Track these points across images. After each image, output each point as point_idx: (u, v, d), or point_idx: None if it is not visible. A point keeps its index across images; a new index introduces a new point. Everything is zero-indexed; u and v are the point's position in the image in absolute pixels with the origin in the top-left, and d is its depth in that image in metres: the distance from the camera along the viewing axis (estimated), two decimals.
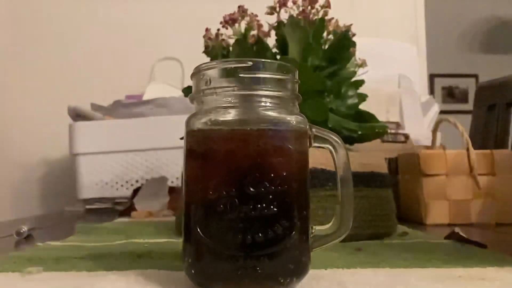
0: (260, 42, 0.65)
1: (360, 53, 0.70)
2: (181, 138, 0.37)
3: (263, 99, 0.34)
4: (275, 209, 0.33)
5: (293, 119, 0.35)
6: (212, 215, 0.33)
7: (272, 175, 0.33)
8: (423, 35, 1.83)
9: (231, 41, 0.67)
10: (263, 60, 0.35)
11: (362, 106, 0.69)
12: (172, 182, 1.23)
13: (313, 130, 0.37)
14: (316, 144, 0.37)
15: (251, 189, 0.33)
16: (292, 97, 0.36)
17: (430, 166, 0.78)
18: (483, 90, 1.31)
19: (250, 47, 0.65)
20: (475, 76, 3.54)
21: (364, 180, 0.60)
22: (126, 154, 1.30)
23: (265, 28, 0.67)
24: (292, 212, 0.34)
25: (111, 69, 1.69)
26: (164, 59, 1.72)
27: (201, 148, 0.35)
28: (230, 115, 0.34)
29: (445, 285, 0.35)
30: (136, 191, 1.08)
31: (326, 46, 0.66)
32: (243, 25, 0.67)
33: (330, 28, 0.67)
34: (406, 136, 1.18)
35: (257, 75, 0.34)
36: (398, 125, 1.22)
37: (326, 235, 0.37)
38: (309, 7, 0.64)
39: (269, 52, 0.65)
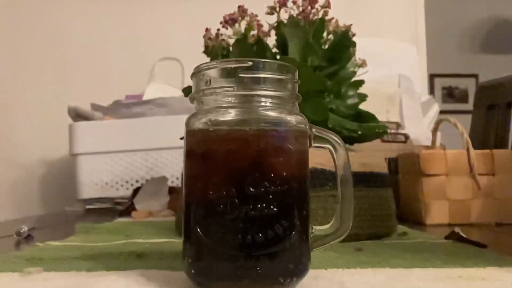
0: (260, 42, 0.65)
1: (360, 53, 0.70)
2: (181, 138, 0.37)
3: (263, 99, 0.34)
4: (275, 209, 0.33)
5: (293, 119, 0.35)
6: (212, 215, 0.33)
7: (272, 175, 0.33)
8: (423, 35, 1.83)
9: (231, 41, 0.67)
10: (263, 60, 0.35)
11: (362, 106, 0.69)
12: (172, 182, 1.23)
13: (313, 130, 0.37)
14: (316, 144, 0.37)
15: (251, 189, 0.33)
16: (292, 97, 0.36)
17: (430, 166, 0.78)
18: (483, 90, 1.31)
19: (250, 47, 0.65)
20: (475, 76, 3.54)
21: (364, 180, 0.60)
22: (126, 154, 1.30)
23: (265, 28, 0.67)
24: (292, 212, 0.34)
25: (111, 69, 1.69)
26: (164, 59, 1.72)
27: (201, 148, 0.35)
28: (230, 115, 0.34)
29: (445, 285, 0.35)
30: (136, 191, 1.08)
31: (326, 46, 0.66)
32: (243, 25, 0.67)
33: (330, 28, 0.67)
34: (406, 136, 1.18)
35: (257, 75, 0.34)
36: (398, 125, 1.22)
37: (326, 235, 0.37)
38: (309, 7, 0.64)
39: (269, 52, 0.65)
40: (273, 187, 0.33)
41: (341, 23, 0.67)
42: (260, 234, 0.32)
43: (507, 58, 3.46)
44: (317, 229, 0.37)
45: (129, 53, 1.70)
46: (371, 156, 0.63)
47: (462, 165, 0.77)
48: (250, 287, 0.33)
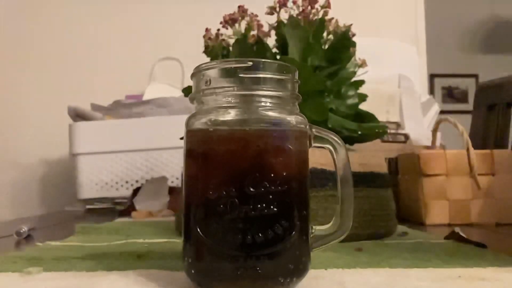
0: (260, 42, 0.65)
1: (360, 53, 0.70)
2: (181, 138, 0.37)
3: (263, 99, 0.34)
4: (275, 209, 0.33)
5: (293, 119, 0.35)
6: (212, 215, 0.33)
7: (272, 175, 0.33)
8: (423, 35, 1.83)
9: (231, 41, 0.67)
10: (263, 60, 0.35)
11: (362, 106, 0.69)
12: (172, 182, 1.23)
13: (313, 130, 0.37)
14: (316, 144, 0.37)
15: (251, 189, 0.33)
16: (292, 97, 0.36)
17: (430, 166, 0.78)
18: (483, 90, 1.31)
19: (250, 47, 0.65)
20: (475, 76, 3.54)
21: (364, 180, 0.60)
22: (126, 154, 1.30)
23: (265, 28, 0.67)
24: (292, 212, 0.34)
25: (111, 69, 1.69)
26: (164, 59, 1.72)
27: (201, 148, 0.35)
28: (230, 115, 0.34)
29: (445, 285, 0.35)
30: (136, 191, 1.08)
31: (326, 46, 0.66)
32: (243, 25, 0.67)
33: (330, 28, 0.66)
34: (406, 136, 1.18)
35: (257, 75, 0.34)
36: (398, 125, 1.22)
37: (326, 235, 0.37)
38: (309, 7, 0.64)
39: (269, 52, 0.65)
40: (273, 187, 0.33)
41: (341, 23, 0.67)
42: (260, 234, 0.32)
43: (507, 58, 3.46)
44: (317, 229, 0.37)
45: (129, 53, 1.70)
46: (371, 156, 0.63)
47: (462, 165, 0.77)
48: (250, 287, 0.33)
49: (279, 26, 0.65)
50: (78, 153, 1.31)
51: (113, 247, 0.53)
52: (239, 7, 0.66)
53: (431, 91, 3.46)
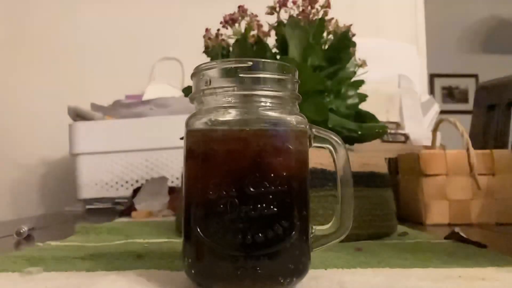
0: (260, 42, 0.65)
1: (360, 53, 0.70)
2: (181, 138, 0.37)
3: (263, 99, 0.34)
4: (275, 209, 0.33)
5: (293, 119, 0.35)
6: (212, 215, 0.33)
7: (272, 175, 0.33)
8: (423, 35, 1.83)
9: (231, 41, 0.67)
10: (263, 60, 0.35)
11: (362, 106, 0.69)
12: (172, 182, 1.23)
13: (313, 130, 0.37)
14: (316, 144, 0.37)
15: (251, 189, 0.33)
16: (292, 97, 0.36)
17: (430, 166, 0.78)
18: (483, 90, 1.31)
19: (250, 47, 0.65)
20: (475, 76, 3.54)
21: (364, 180, 0.60)
22: (126, 154, 1.30)
23: (265, 28, 0.67)
24: (292, 212, 0.34)
25: (111, 69, 1.69)
26: (164, 59, 1.72)
27: (201, 148, 0.35)
28: (230, 115, 0.34)
29: (445, 285, 0.35)
30: (136, 191, 1.08)
31: (326, 46, 0.66)
32: (243, 25, 0.67)
33: (330, 28, 0.66)
34: (406, 136, 1.18)
35: (257, 75, 0.34)
36: (398, 125, 1.22)
37: (326, 235, 0.37)
38: (309, 7, 0.64)
39: (269, 52, 0.65)
40: (273, 187, 0.33)
41: (341, 23, 0.67)
42: (260, 234, 0.32)
43: (507, 58, 3.46)
44: (317, 229, 0.37)
45: (129, 53, 1.70)
46: (371, 156, 0.63)
47: (462, 165, 0.77)
48: (250, 287, 0.33)
49: (279, 26, 0.65)
50: (78, 153, 1.31)
51: (113, 247, 0.53)
52: (239, 7, 0.66)
53: (431, 91, 3.46)
